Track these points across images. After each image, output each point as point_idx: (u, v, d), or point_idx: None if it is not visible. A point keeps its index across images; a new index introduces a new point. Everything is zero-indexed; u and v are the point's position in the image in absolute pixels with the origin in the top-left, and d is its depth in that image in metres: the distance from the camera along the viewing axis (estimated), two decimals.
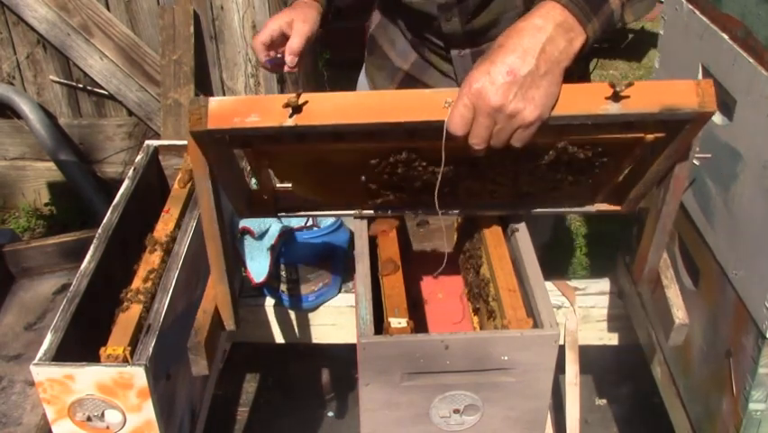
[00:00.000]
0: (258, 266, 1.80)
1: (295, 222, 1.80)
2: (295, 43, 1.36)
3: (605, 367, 2.26)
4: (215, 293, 1.26)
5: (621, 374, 2.26)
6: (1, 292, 1.87)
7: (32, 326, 1.80)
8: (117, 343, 1.23)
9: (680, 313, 1.28)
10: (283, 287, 1.84)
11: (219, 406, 2.09)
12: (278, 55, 1.40)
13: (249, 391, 2.34)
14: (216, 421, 2.00)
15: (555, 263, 2.84)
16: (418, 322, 1.38)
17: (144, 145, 1.76)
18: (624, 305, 1.82)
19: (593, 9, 0.99)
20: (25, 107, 2.90)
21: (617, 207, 1.29)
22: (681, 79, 0.98)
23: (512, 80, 0.93)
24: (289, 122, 0.96)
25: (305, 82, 2.94)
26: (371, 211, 1.32)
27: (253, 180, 1.42)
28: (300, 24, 1.37)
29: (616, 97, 0.95)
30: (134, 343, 1.25)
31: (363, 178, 1.17)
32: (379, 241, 1.39)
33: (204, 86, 2.86)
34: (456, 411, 1.20)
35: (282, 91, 2.90)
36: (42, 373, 1.21)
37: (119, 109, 3.02)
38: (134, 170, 1.66)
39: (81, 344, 1.26)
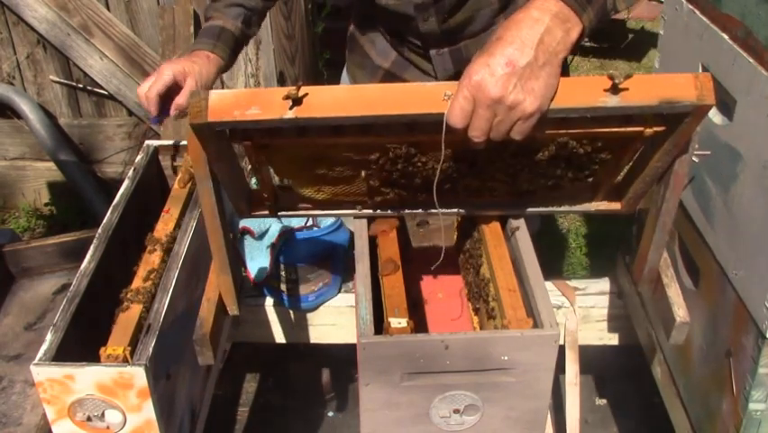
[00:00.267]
0: (258, 266, 1.80)
1: (295, 222, 1.80)
2: (184, 101, 1.40)
3: (605, 367, 2.26)
4: (219, 282, 1.26)
5: (621, 374, 2.26)
6: (1, 292, 1.87)
7: (32, 326, 1.80)
8: (117, 343, 1.23)
9: (681, 312, 1.28)
10: (283, 287, 1.84)
11: (219, 406, 2.09)
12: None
13: (249, 391, 2.34)
14: (216, 421, 2.00)
15: (555, 263, 2.84)
16: (418, 322, 1.38)
17: (144, 145, 1.76)
18: (624, 305, 1.82)
19: None
20: (25, 107, 2.90)
21: (617, 207, 1.29)
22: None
23: (511, 72, 0.93)
24: (289, 114, 0.96)
25: (305, 82, 2.94)
26: (371, 210, 1.32)
27: (253, 180, 1.42)
28: (193, 83, 1.40)
29: (614, 90, 0.95)
30: (134, 343, 1.25)
31: (363, 174, 1.17)
32: (379, 241, 1.39)
33: None
34: (456, 411, 1.20)
35: None
36: (42, 372, 1.20)
37: (119, 109, 3.02)
38: (134, 170, 1.66)
39: (81, 344, 1.26)
